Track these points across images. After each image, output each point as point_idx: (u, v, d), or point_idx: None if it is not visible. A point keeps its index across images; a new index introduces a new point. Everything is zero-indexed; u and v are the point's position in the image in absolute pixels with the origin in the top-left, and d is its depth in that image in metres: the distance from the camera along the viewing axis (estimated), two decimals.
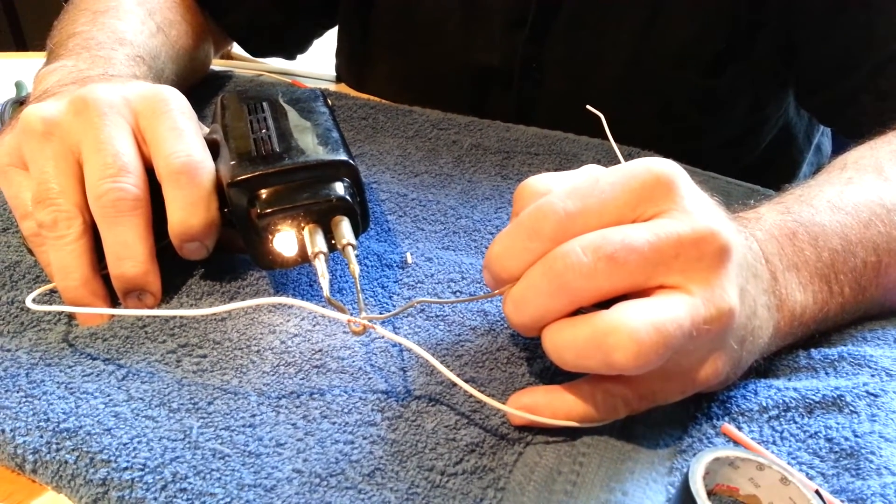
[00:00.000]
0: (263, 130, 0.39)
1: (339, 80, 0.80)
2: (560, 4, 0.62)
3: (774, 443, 0.32)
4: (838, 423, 0.32)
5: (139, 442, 0.30)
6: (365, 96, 0.67)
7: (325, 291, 0.33)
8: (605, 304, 0.29)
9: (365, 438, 0.31)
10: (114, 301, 0.38)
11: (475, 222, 0.48)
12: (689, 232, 0.29)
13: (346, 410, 0.33)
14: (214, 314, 0.37)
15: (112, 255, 0.36)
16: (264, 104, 0.42)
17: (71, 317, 0.37)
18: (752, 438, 0.32)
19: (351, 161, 0.38)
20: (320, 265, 0.35)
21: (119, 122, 0.37)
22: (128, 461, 0.29)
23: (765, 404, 0.34)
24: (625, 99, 0.64)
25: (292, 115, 0.41)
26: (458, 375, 0.32)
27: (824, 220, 0.38)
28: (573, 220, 0.29)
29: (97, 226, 0.36)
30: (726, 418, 0.33)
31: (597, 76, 0.64)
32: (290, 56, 0.79)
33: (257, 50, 0.76)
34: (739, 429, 0.33)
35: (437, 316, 0.39)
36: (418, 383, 0.34)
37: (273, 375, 0.34)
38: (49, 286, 0.38)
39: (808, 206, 0.39)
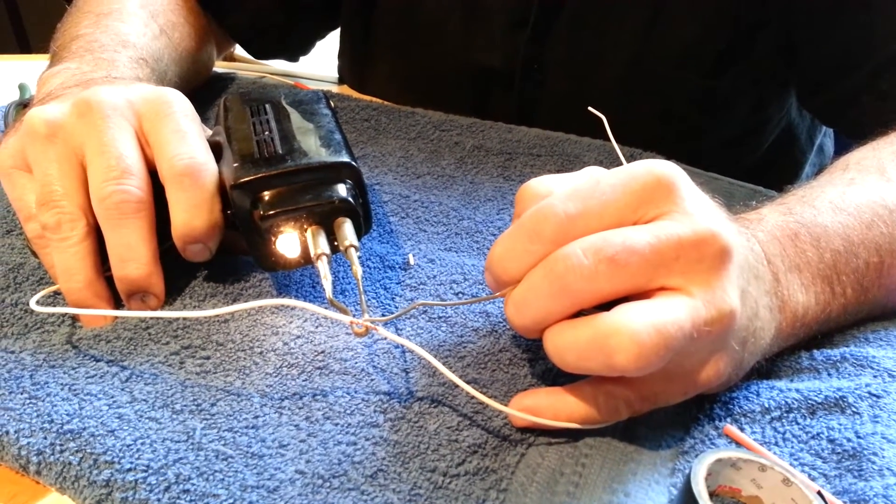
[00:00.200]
0: (266, 132, 0.39)
1: (341, 81, 0.81)
2: (561, 5, 0.62)
3: (777, 444, 0.32)
4: (841, 425, 0.32)
5: (143, 443, 0.30)
6: (367, 98, 0.67)
7: (328, 293, 0.33)
8: (606, 305, 0.29)
9: (367, 440, 0.31)
10: (117, 303, 0.38)
11: (477, 223, 0.48)
12: (689, 234, 0.29)
13: (348, 412, 0.33)
14: (217, 316, 0.37)
15: (115, 257, 0.36)
16: (267, 106, 0.42)
17: (75, 318, 0.37)
18: (755, 439, 0.32)
19: (353, 163, 0.38)
20: (323, 267, 0.35)
21: (122, 124, 0.37)
22: (131, 462, 0.29)
23: (767, 405, 0.34)
24: (626, 99, 0.64)
25: (295, 117, 0.41)
26: (461, 377, 0.32)
27: (826, 221, 0.38)
28: (574, 222, 0.29)
29: (101, 228, 0.36)
30: (728, 419, 0.33)
31: (598, 77, 0.64)
32: (293, 58, 0.79)
33: (260, 52, 0.76)
34: (742, 430, 0.33)
35: (439, 317, 0.39)
36: (421, 385, 0.34)
37: (276, 377, 0.34)
38: (53, 288, 0.38)
39: (810, 206, 0.39)
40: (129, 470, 0.29)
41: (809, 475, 0.31)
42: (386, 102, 0.65)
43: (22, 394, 0.32)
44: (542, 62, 0.65)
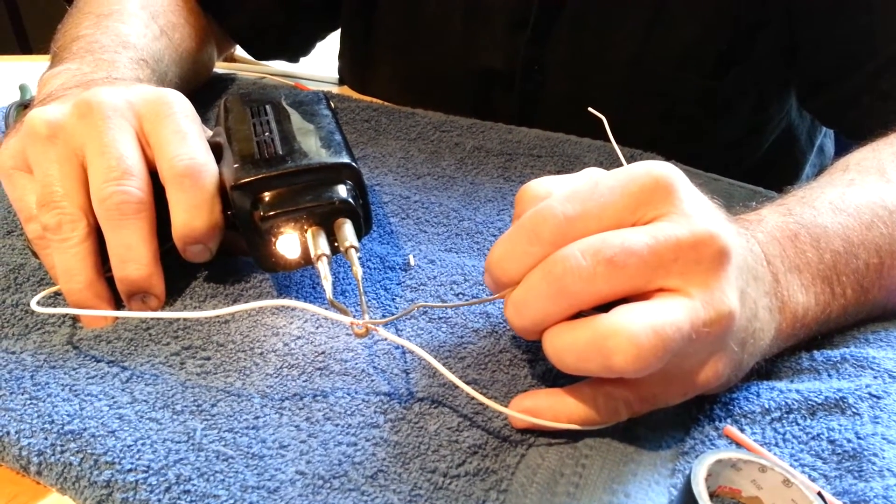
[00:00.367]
0: (266, 133, 0.39)
1: (341, 82, 0.81)
2: (562, 6, 0.62)
3: (777, 445, 0.32)
4: (841, 425, 0.32)
5: (143, 444, 0.30)
6: (368, 99, 0.67)
7: (328, 294, 0.34)
8: (605, 307, 0.29)
9: (368, 440, 0.32)
10: (118, 303, 0.38)
11: (478, 224, 0.48)
12: (687, 235, 0.29)
13: (348, 412, 0.33)
14: (218, 316, 0.37)
15: (116, 258, 0.36)
16: (267, 107, 0.42)
17: (75, 319, 0.37)
18: (755, 440, 0.32)
19: (353, 164, 0.38)
20: (323, 267, 0.35)
21: (123, 125, 0.37)
22: (132, 463, 0.29)
23: (767, 406, 0.34)
24: (627, 100, 0.64)
25: (295, 117, 0.41)
26: (461, 378, 0.32)
27: (826, 222, 0.38)
28: (573, 223, 0.29)
29: (101, 229, 0.36)
30: (728, 420, 0.33)
31: (598, 77, 0.64)
32: (293, 59, 0.79)
33: (260, 52, 0.76)
34: (742, 431, 0.33)
35: (439, 318, 0.39)
36: (421, 385, 0.34)
37: (276, 377, 0.34)
38: (53, 289, 0.38)
39: (809, 207, 0.39)
40: (130, 470, 0.29)
41: (810, 476, 0.31)
42: (386, 103, 0.65)
43: (23, 394, 0.33)
44: (542, 63, 0.65)
